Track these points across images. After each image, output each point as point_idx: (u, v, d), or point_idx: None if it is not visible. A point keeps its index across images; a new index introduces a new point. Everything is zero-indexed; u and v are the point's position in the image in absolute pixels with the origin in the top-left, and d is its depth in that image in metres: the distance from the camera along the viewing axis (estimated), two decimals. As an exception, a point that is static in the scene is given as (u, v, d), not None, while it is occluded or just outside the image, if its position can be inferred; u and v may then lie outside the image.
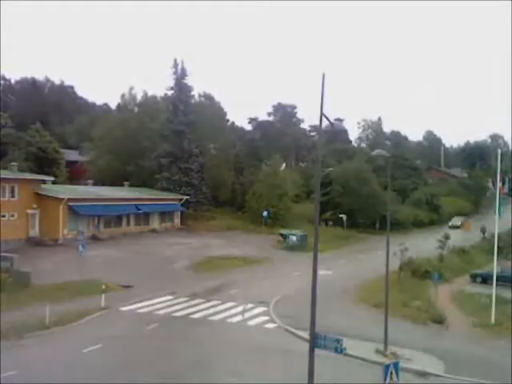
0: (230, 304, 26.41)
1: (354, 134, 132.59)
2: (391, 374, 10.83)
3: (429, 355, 19.45)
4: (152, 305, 25.71)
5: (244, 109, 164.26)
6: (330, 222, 61.16)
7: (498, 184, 27.64)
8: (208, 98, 70.91)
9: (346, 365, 17.27)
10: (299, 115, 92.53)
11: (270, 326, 23.27)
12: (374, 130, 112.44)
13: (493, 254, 27.98)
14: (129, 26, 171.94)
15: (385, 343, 19.33)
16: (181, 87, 61.03)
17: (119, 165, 60.96)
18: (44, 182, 45.69)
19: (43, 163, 54.84)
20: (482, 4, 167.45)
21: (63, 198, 42.86)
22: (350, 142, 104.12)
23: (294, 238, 48.30)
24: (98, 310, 23.80)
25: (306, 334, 17.42)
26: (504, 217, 27.98)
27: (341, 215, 61.47)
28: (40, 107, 75.26)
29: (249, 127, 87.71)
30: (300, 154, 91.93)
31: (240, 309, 25.04)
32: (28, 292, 25.94)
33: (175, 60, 60.98)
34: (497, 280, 26.67)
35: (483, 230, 52.65)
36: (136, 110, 67.73)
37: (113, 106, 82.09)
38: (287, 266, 38.82)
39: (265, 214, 56.60)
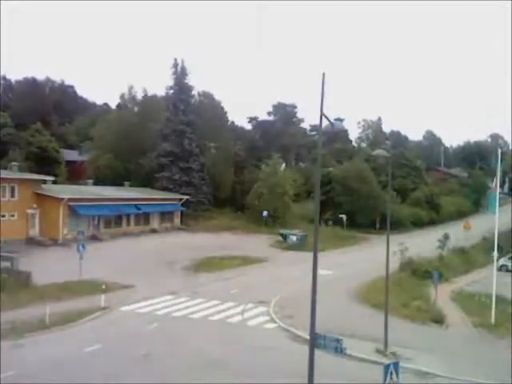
0: (229, 304, 26.41)
1: (354, 134, 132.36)
2: (391, 373, 10.83)
3: (429, 355, 19.45)
4: (152, 304, 25.69)
5: (244, 109, 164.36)
6: (330, 222, 61.18)
7: (498, 183, 27.60)
8: (208, 97, 70.90)
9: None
10: (299, 115, 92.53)
11: (270, 326, 23.26)
12: (374, 129, 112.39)
13: (493, 253, 27.98)
14: (129, 26, 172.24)
15: (385, 343, 19.33)
16: (181, 87, 61.12)
17: (119, 164, 60.98)
18: (44, 181, 45.68)
19: (43, 163, 54.84)
20: (482, 4, 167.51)
21: (63, 198, 42.85)
22: (350, 141, 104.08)
23: (294, 238, 48.36)
24: (98, 310, 23.76)
25: (305, 334, 17.42)
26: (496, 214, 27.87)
27: (341, 215, 61.52)
28: (40, 107, 75.25)
29: (249, 127, 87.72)
30: (300, 153, 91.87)
31: (240, 309, 25.03)
32: (28, 292, 25.89)
33: (175, 59, 61.23)
34: None
35: None
36: (136, 109, 67.76)
37: (113, 105, 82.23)
38: (287, 265, 38.79)
39: (265, 213, 56.68)
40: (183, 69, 61.28)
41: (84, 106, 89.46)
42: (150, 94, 68.69)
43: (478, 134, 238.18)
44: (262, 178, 60.28)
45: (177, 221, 56.75)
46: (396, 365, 11.14)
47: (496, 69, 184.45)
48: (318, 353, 12.22)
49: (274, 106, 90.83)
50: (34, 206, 42.39)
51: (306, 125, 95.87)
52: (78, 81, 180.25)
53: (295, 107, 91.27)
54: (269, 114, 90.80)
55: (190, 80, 62.19)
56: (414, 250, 39.31)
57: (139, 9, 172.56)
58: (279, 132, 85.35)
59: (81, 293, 26.37)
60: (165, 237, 49.65)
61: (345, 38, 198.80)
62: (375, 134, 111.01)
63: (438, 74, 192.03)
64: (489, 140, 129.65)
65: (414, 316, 25.41)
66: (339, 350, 12.09)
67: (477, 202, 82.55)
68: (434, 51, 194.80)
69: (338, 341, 12.08)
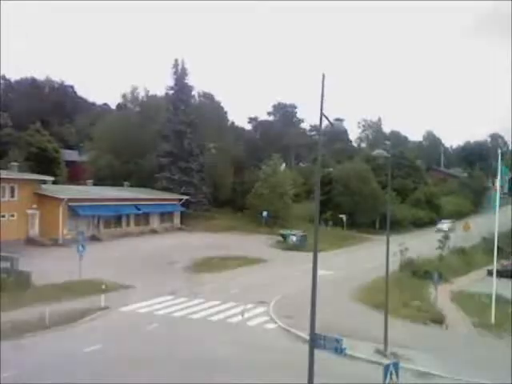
0: (229, 304, 26.40)
1: (353, 134, 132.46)
2: (391, 374, 10.82)
3: (429, 355, 19.42)
4: (152, 305, 25.69)
5: (244, 109, 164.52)
6: (330, 222, 61.22)
7: (498, 184, 27.59)
8: (208, 97, 70.98)
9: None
10: (299, 115, 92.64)
11: (270, 326, 23.25)
12: (374, 130, 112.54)
13: (492, 254, 27.99)
14: (129, 26, 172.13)
15: (385, 343, 19.30)
16: (181, 87, 61.22)
17: (119, 164, 61.00)
18: (44, 182, 45.66)
19: (43, 163, 54.81)
20: (481, 4, 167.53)
21: (63, 198, 42.85)
22: (350, 142, 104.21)
23: (294, 238, 48.39)
24: (98, 310, 23.77)
25: (305, 334, 17.39)
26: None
27: (341, 215, 61.53)
28: (40, 107, 75.21)
29: (249, 127, 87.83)
30: (300, 153, 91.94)
31: (240, 309, 25.03)
32: (28, 292, 25.91)
33: (175, 60, 61.29)
34: None
35: None
36: (136, 109, 67.84)
37: (113, 106, 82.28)
38: (287, 266, 38.79)
39: (265, 214, 56.71)
40: (183, 69, 61.40)
41: (84, 106, 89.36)
42: (150, 94, 68.87)
43: (478, 134, 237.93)
44: (262, 178, 60.32)
45: (177, 221, 56.74)
46: (396, 365, 11.12)
47: (496, 69, 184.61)
48: (317, 353, 12.21)
49: (273, 107, 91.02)
50: (34, 206, 42.38)
51: (305, 125, 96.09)
52: (78, 81, 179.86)
53: (295, 107, 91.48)
54: (269, 114, 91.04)
55: (190, 80, 62.44)
56: (414, 250, 39.30)
57: (139, 8, 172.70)
58: (279, 132, 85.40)
59: (81, 293, 26.35)
60: (164, 237, 49.64)
61: (345, 38, 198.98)
62: (375, 134, 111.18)
63: (437, 75, 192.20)
64: (489, 140, 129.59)
65: (414, 316, 25.39)
66: (339, 351, 12.04)
67: (477, 202, 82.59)
68: (433, 51, 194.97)
69: (337, 341, 12.02)
